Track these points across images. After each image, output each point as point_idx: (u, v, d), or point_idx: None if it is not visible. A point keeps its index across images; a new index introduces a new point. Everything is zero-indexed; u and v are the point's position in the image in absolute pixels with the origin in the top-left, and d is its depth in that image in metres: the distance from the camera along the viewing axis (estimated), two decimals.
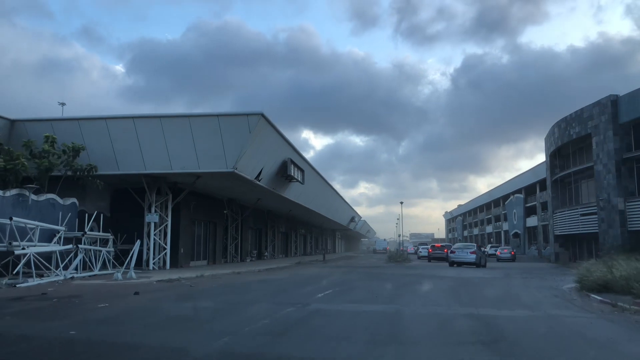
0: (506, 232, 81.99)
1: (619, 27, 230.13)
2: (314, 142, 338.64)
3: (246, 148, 22.31)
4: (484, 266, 33.76)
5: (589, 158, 38.25)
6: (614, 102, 33.54)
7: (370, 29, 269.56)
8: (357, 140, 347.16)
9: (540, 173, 62.53)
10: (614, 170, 33.11)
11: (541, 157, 69.59)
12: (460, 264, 33.70)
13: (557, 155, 44.37)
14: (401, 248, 67.14)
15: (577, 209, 38.98)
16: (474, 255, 33.28)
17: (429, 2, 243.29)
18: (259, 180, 25.14)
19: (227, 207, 34.07)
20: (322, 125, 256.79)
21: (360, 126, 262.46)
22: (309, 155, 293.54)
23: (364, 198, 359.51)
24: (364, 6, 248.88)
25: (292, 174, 28.39)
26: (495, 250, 55.81)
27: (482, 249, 44.93)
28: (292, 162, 28.20)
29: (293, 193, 32.74)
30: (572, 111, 38.88)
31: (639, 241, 32.28)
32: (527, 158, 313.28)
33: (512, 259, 43.69)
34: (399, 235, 73.53)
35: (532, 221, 69.38)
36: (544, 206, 64.48)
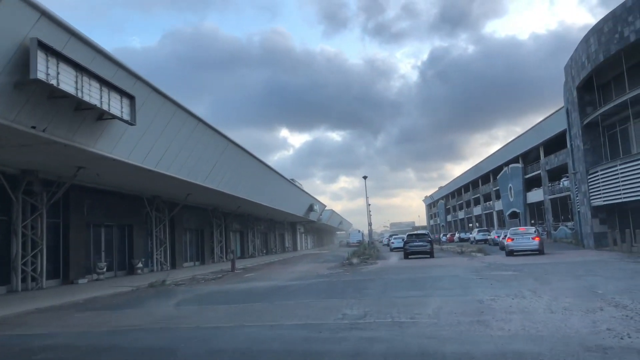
0: (500, 212, 67.57)
1: (575, 15, 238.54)
2: (292, 141, 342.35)
3: None
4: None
5: None
6: None
7: (341, 30, 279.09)
8: (335, 136, 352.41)
9: (546, 131, 47.90)
10: None
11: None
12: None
13: (590, 87, 29.54)
14: (375, 241, 51.71)
15: (634, 160, 24.20)
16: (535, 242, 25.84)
17: (394, 1, 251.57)
18: None
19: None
20: (299, 123, 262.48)
21: (337, 122, 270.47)
22: (287, 154, 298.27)
23: (344, 192, 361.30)
24: (333, 9, 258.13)
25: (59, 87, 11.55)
26: (500, 236, 40.77)
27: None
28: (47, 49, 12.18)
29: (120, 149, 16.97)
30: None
31: None
32: (502, 143, 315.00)
33: (539, 249, 27.07)
34: (369, 224, 58.41)
35: (534, 196, 54.91)
36: (552, 175, 49.99)
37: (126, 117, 14.50)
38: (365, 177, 41.53)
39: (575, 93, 30.27)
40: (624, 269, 14.86)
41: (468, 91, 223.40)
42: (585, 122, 29.38)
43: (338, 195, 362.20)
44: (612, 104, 26.32)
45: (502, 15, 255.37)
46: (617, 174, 25.39)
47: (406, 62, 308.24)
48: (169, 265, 29.42)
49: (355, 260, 26.28)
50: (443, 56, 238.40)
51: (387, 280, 14.91)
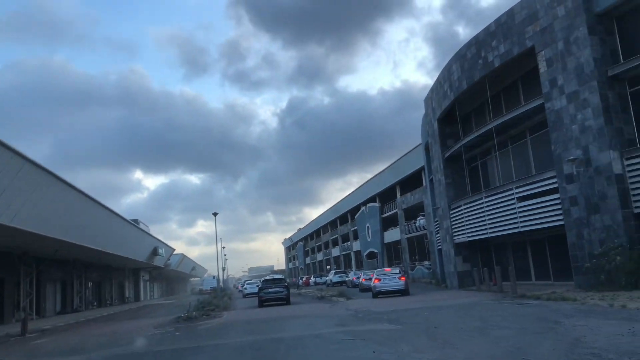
0: (358, 252, 66.37)
1: (416, 76, 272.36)
2: (146, 183, 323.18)
3: None
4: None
5: (514, 103, 22.58)
6: None
7: (202, 75, 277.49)
8: (193, 179, 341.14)
9: (402, 169, 47.52)
10: (597, 102, 17.24)
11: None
12: None
13: (451, 119, 28.49)
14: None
15: (499, 193, 22.84)
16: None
17: (255, 52, 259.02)
18: None
19: None
20: (155, 164, 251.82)
21: (196, 164, 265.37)
22: (142, 196, 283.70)
23: (202, 236, 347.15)
24: (194, 54, 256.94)
25: None
26: (359, 277, 38.44)
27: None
28: None
29: None
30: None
31: None
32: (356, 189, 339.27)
33: (404, 290, 25.55)
34: (223, 269, 52.89)
35: (391, 235, 54.20)
36: (409, 214, 49.55)
37: None
38: (215, 214, 36.59)
39: (436, 125, 29.06)
40: (520, 314, 12.08)
41: (324, 139, 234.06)
42: (446, 155, 28.08)
43: (195, 240, 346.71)
44: (473, 135, 25.15)
45: (353, 72, 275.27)
46: (483, 208, 23.89)
47: (266, 108, 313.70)
48: None
49: (195, 313, 21.18)
50: (301, 105, 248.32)
51: (221, 350, 10.33)
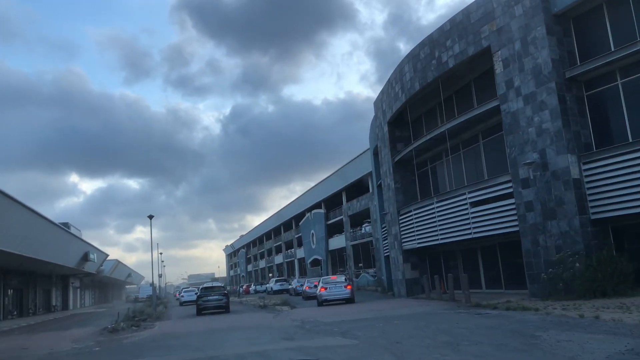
0: (301, 260, 64.91)
1: (359, 88, 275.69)
2: (83, 187, 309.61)
3: None
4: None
5: (466, 106, 21.94)
6: None
7: (143, 79, 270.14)
8: (132, 183, 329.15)
9: (348, 175, 46.64)
10: (555, 104, 16.69)
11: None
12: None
13: (401, 122, 27.71)
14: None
15: (451, 198, 22.12)
16: None
17: (198, 57, 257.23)
18: None
19: None
20: (91, 168, 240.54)
21: (135, 169, 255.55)
22: (77, 200, 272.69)
23: (140, 243, 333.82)
24: (136, 57, 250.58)
25: None
26: (303, 285, 37.15)
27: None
28: None
29: None
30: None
31: (608, 237, 16.34)
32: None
33: (349, 298, 25.09)
34: (160, 275, 50.04)
35: (336, 242, 53.15)
36: (354, 220, 48.67)
37: None
38: (151, 217, 34.10)
39: (386, 128, 28.17)
40: (487, 326, 11.01)
41: (268, 147, 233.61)
42: (396, 159, 27.22)
43: (133, 247, 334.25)
44: (425, 138, 24.35)
45: (298, 82, 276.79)
46: (434, 213, 23.08)
47: (209, 114, 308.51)
48: None
49: (123, 324, 19.04)
50: (245, 112, 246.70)
51: None
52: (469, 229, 20.60)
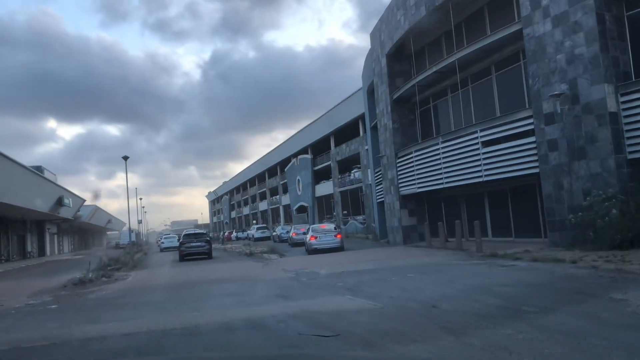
0: (287, 207, 63.13)
1: (340, 36, 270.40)
2: (61, 132, 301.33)
3: None
4: None
5: (476, 34, 19.37)
6: None
7: (120, 22, 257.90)
8: (112, 129, 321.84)
9: (337, 119, 44.15)
10: (592, 24, 14.27)
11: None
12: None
13: (402, 55, 25.08)
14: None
15: (459, 137, 19.92)
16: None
17: (177, 0, 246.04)
18: None
19: None
20: (70, 113, 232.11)
21: (115, 114, 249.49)
22: (57, 146, 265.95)
23: (122, 189, 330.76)
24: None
25: None
26: (290, 232, 35.42)
27: None
28: None
29: None
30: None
31: None
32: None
33: (339, 246, 23.58)
34: (140, 221, 47.94)
35: (323, 188, 51.21)
36: (343, 166, 46.57)
37: None
38: (126, 158, 31.45)
39: (384, 62, 25.54)
40: (535, 284, 8.96)
41: (249, 94, 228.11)
42: (395, 97, 24.78)
43: (115, 193, 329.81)
44: (429, 72, 21.89)
45: (279, 28, 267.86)
46: (438, 155, 20.93)
47: (189, 59, 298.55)
48: None
49: (93, 275, 16.91)
50: (225, 58, 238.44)
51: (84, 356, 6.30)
52: (480, 171, 18.52)
